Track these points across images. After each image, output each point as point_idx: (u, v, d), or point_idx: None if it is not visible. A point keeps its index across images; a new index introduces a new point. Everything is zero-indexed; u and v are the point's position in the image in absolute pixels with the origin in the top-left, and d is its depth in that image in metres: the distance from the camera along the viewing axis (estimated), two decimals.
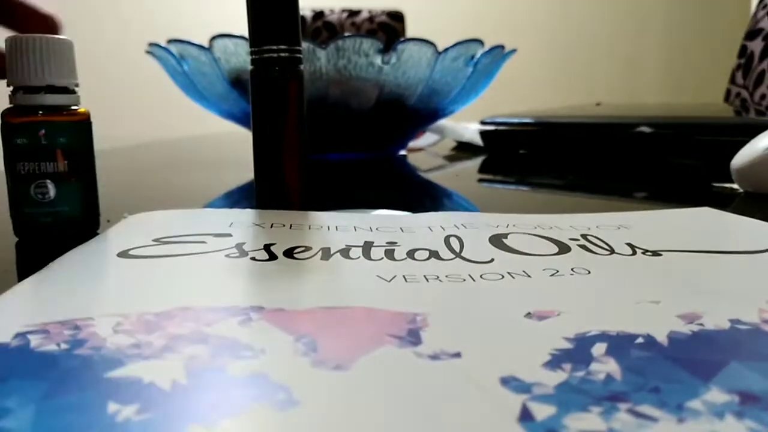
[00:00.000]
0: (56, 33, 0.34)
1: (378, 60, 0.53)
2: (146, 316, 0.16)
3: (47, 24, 0.34)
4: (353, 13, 1.48)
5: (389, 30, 1.48)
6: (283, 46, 0.30)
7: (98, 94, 2.14)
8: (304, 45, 0.49)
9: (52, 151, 0.27)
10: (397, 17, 1.50)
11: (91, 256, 0.22)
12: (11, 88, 0.27)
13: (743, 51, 1.01)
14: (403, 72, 0.54)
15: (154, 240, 0.24)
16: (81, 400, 0.12)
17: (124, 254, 0.22)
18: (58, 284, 0.19)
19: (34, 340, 0.15)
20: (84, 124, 0.28)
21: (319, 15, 1.48)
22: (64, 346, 0.14)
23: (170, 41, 0.56)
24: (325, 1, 1.55)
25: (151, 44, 0.59)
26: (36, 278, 0.19)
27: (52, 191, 0.27)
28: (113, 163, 0.65)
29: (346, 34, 1.09)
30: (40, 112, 0.27)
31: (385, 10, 1.50)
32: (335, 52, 0.51)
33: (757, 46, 0.98)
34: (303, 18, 1.45)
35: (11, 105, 0.27)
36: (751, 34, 1.00)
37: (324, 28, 1.47)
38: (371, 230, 0.26)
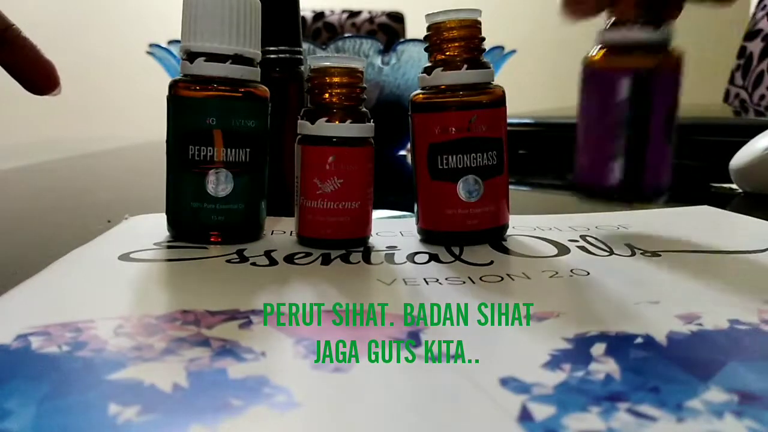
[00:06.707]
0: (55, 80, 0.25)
1: (378, 61, 0.53)
2: (147, 319, 0.16)
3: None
4: (353, 14, 1.48)
5: (389, 31, 1.48)
6: (283, 47, 0.30)
7: (98, 94, 2.14)
8: (305, 46, 0.49)
9: (235, 135, 0.23)
10: (396, 18, 1.50)
11: (92, 258, 0.22)
12: (184, 53, 0.23)
13: (742, 52, 1.01)
14: (403, 73, 0.54)
15: (155, 244, 0.24)
16: (82, 402, 0.12)
17: (125, 257, 0.22)
18: (60, 286, 0.19)
19: (36, 342, 0.15)
20: (268, 105, 0.24)
21: (319, 16, 1.48)
22: (65, 348, 0.14)
23: (170, 41, 0.56)
24: (325, 2, 1.55)
25: (152, 44, 0.59)
26: (37, 280, 0.19)
27: (229, 185, 0.23)
28: (113, 163, 0.65)
29: (346, 34, 1.09)
30: (221, 86, 0.23)
31: (385, 11, 1.50)
32: (335, 53, 0.51)
33: (756, 46, 0.98)
34: (303, 18, 1.45)
35: (183, 74, 0.23)
36: (751, 34, 1.00)
37: (324, 29, 1.47)
38: (371, 235, 0.26)
